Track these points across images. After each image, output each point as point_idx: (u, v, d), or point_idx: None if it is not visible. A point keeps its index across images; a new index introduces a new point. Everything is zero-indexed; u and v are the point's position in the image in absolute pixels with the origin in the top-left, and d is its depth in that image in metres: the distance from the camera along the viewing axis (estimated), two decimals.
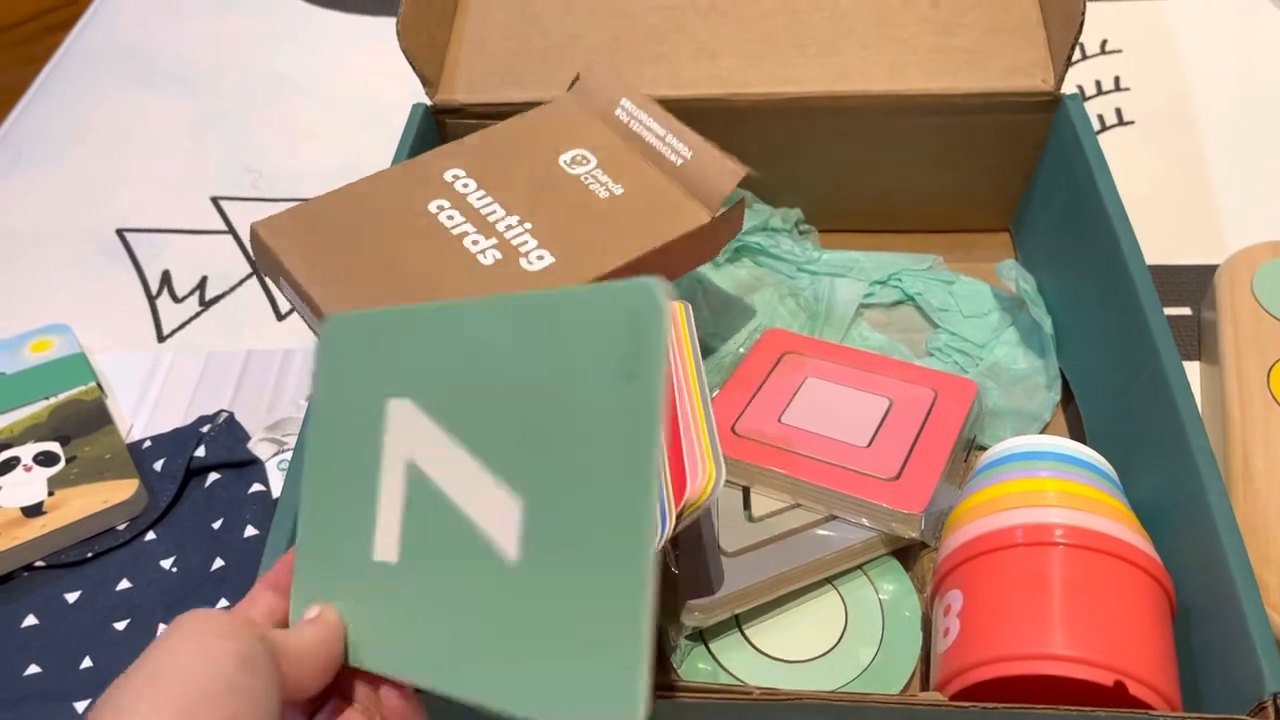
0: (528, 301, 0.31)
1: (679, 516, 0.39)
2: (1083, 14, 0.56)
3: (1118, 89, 0.77)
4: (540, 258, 0.48)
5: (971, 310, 0.61)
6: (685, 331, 0.46)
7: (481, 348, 0.32)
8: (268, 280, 0.70)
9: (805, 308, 0.62)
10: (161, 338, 0.67)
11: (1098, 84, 0.78)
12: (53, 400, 0.60)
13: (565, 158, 0.54)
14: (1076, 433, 0.56)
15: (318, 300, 0.46)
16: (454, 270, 0.48)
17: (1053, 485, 0.44)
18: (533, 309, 0.31)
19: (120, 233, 0.74)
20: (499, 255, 0.48)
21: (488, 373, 0.31)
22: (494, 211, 0.50)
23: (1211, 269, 0.61)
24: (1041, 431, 0.56)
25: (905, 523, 0.47)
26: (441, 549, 0.32)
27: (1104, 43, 0.80)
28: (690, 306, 0.48)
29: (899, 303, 0.63)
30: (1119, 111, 0.75)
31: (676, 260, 0.51)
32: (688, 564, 0.46)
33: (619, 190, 0.52)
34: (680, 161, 0.52)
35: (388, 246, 0.48)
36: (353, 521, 0.34)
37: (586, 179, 0.53)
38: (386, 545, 0.33)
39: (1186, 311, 0.62)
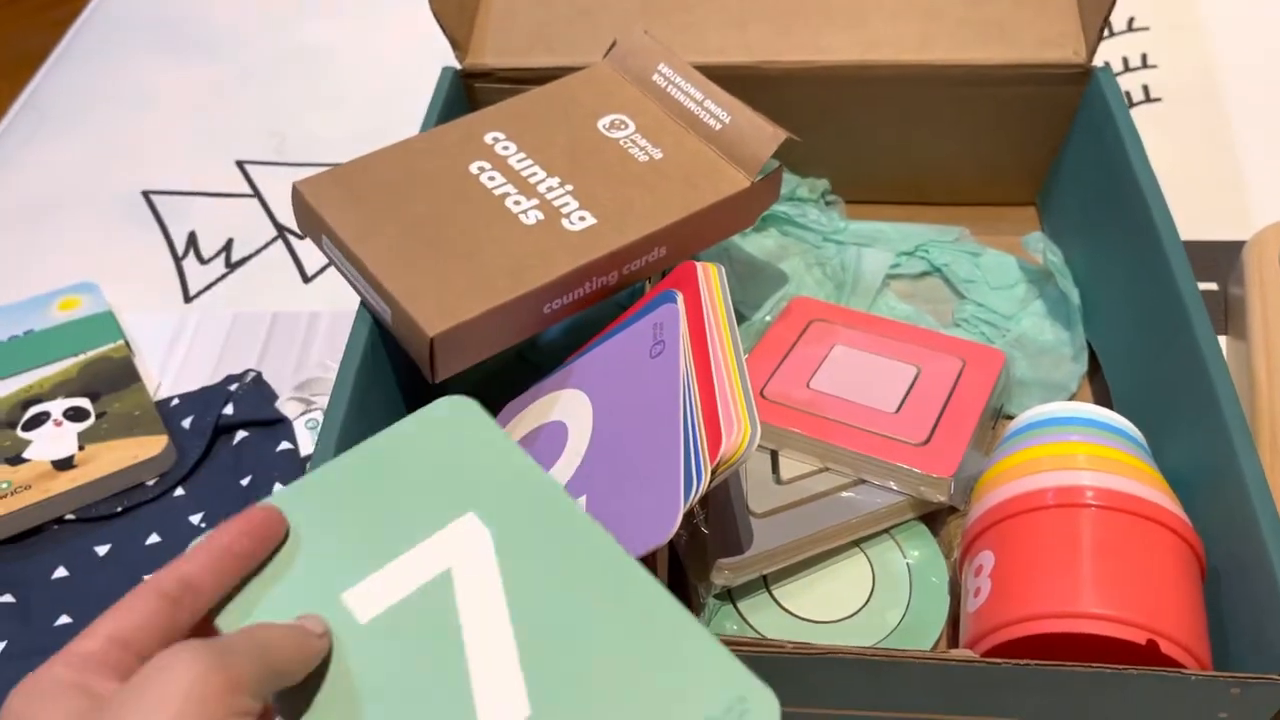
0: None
1: (714, 473, 0.40)
2: None
3: (1145, 66, 0.77)
4: (582, 218, 0.49)
5: (998, 282, 0.61)
6: (719, 294, 0.46)
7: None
8: (293, 243, 0.71)
9: (832, 277, 0.62)
10: (188, 298, 0.67)
11: (1125, 61, 0.77)
12: (82, 357, 0.61)
13: (604, 122, 0.54)
14: (1103, 404, 0.56)
15: (362, 257, 0.46)
16: (498, 229, 0.48)
17: (1084, 449, 0.44)
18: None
19: (146, 194, 0.74)
20: (541, 216, 0.48)
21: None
22: (535, 173, 0.50)
23: (1238, 245, 0.61)
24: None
25: (934, 486, 0.48)
26: (418, 662, 0.31)
27: (1131, 20, 0.80)
28: (723, 268, 0.48)
29: (925, 274, 0.63)
30: (1146, 88, 0.75)
31: (715, 225, 0.51)
32: (717, 524, 0.47)
33: (658, 155, 0.52)
34: (719, 126, 0.52)
35: (430, 206, 0.49)
36: (349, 553, 0.34)
37: (625, 143, 0.53)
38: (366, 602, 0.33)
39: (1213, 287, 0.62)
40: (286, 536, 0.34)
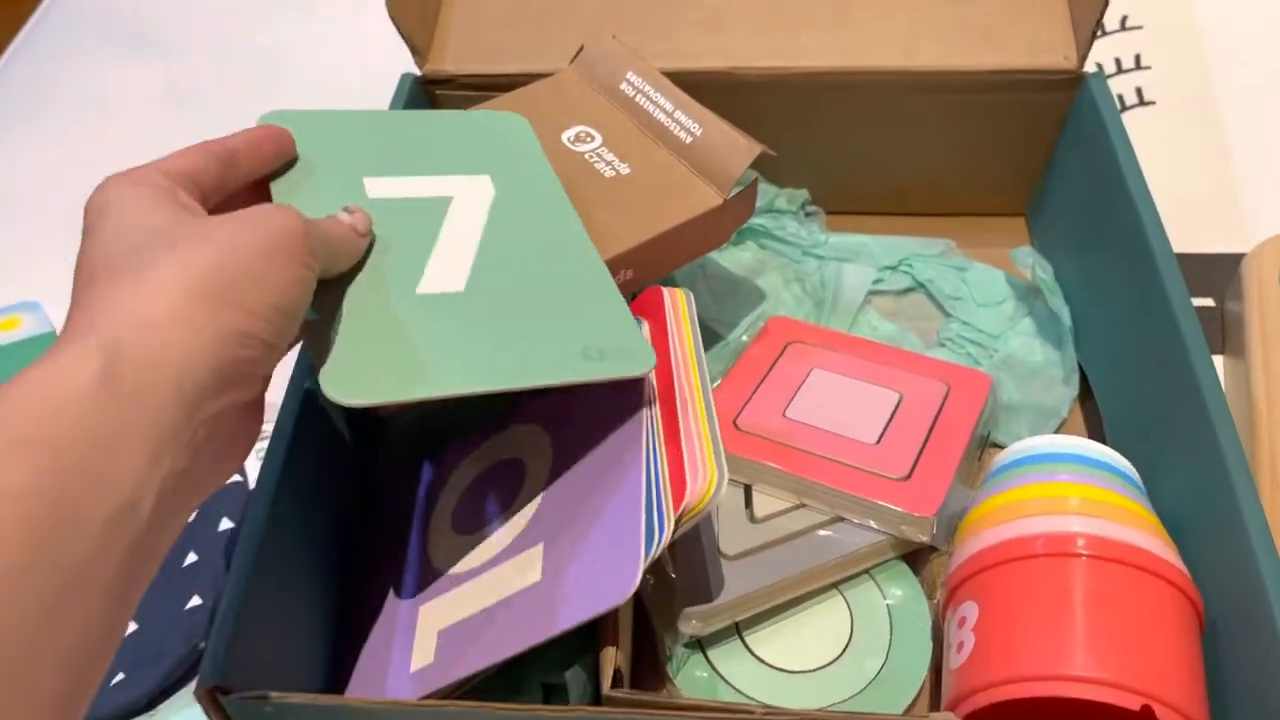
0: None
1: (678, 522, 0.37)
2: None
3: (1138, 67, 0.74)
4: None
5: (985, 298, 0.58)
6: (686, 322, 0.44)
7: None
8: None
9: (811, 294, 0.59)
10: None
11: (1117, 62, 0.74)
12: None
13: (569, 134, 0.51)
14: (1095, 429, 0.53)
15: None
16: None
17: (1074, 490, 0.41)
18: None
19: None
20: None
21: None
22: None
23: (1237, 258, 0.58)
24: (1059, 428, 0.54)
25: (916, 526, 0.45)
26: (396, 238, 0.40)
27: (1124, 19, 0.77)
28: (692, 295, 0.45)
29: (909, 290, 0.60)
30: (1139, 91, 0.72)
31: (686, 244, 0.48)
32: (685, 568, 0.44)
33: (625, 170, 0.49)
34: (690, 139, 0.49)
35: None
36: (385, 159, 0.44)
37: (591, 157, 0.50)
38: (379, 187, 0.42)
39: (1209, 303, 0.59)
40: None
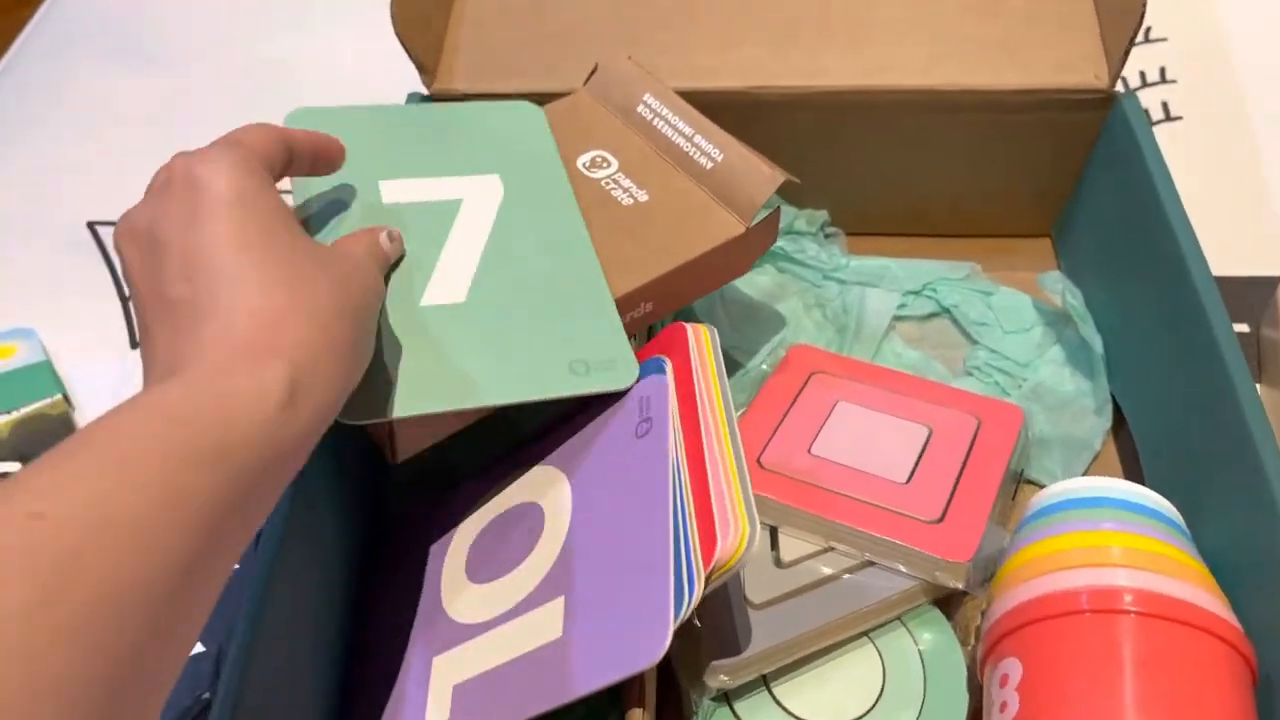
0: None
1: (707, 579, 0.35)
2: (1144, 2, 0.51)
3: (1164, 80, 0.72)
4: None
5: (1013, 325, 0.56)
6: (711, 360, 0.42)
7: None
8: None
9: (833, 320, 0.58)
10: (135, 344, 0.62)
11: (1142, 75, 0.72)
12: (14, 414, 0.55)
13: (584, 160, 0.49)
14: (1130, 462, 0.51)
15: None
16: None
17: (1118, 540, 0.40)
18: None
19: (92, 226, 0.69)
20: None
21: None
22: None
23: (1272, 281, 0.57)
24: (1092, 462, 0.52)
25: (950, 572, 0.43)
26: (408, 245, 0.42)
27: (1148, 30, 0.75)
28: (716, 331, 0.43)
29: (933, 315, 0.58)
30: (1165, 106, 0.70)
31: (707, 275, 0.46)
32: (711, 619, 0.42)
33: (644, 197, 0.47)
34: (710, 165, 0.47)
35: None
36: (399, 160, 0.46)
37: (608, 184, 0.48)
38: (392, 191, 0.44)
39: (1244, 328, 0.58)
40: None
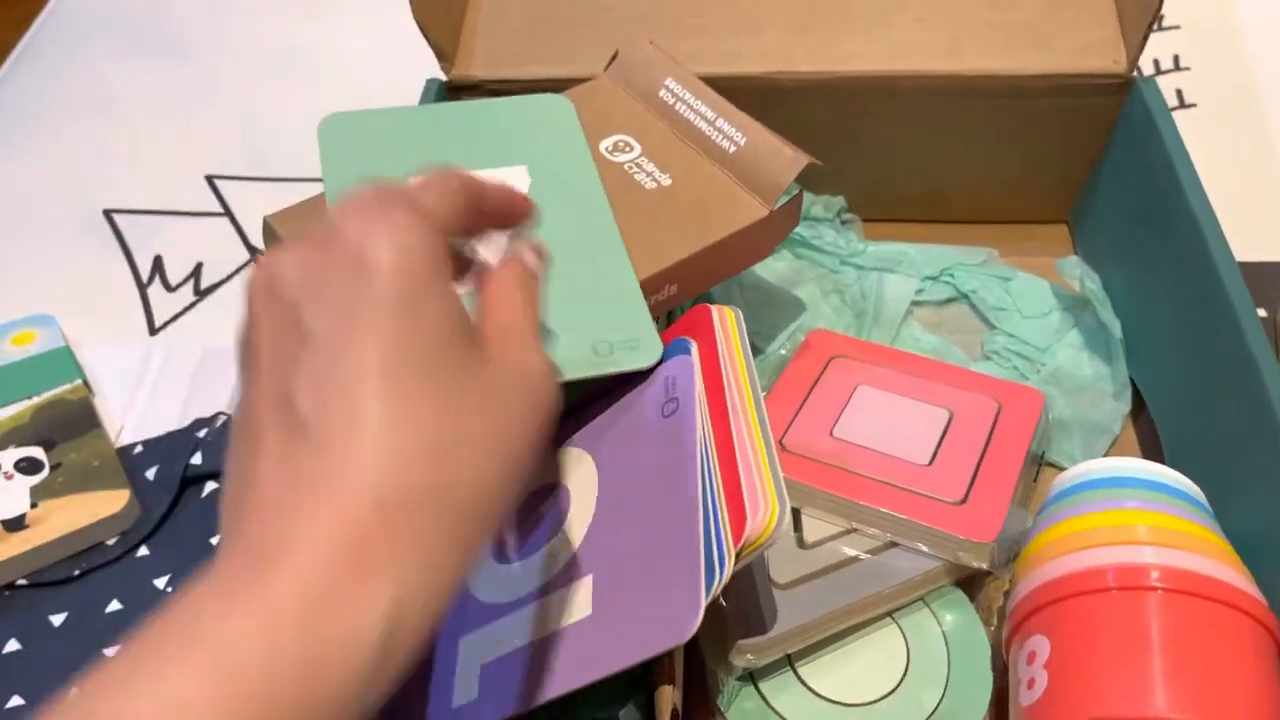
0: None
1: (738, 556, 0.35)
2: None
3: (1177, 68, 0.72)
4: None
5: (1031, 310, 0.57)
6: (738, 343, 0.42)
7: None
8: None
9: (851, 306, 0.58)
10: (153, 330, 0.62)
11: (1155, 63, 0.73)
12: (35, 400, 0.56)
13: (606, 144, 0.49)
14: (1149, 445, 0.52)
15: None
16: None
17: (1144, 518, 0.40)
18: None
19: (108, 214, 0.69)
20: None
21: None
22: None
23: None
24: (1111, 445, 0.52)
25: (974, 552, 0.43)
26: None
27: (1161, 19, 0.75)
28: (740, 313, 0.43)
29: (951, 300, 0.58)
30: (1179, 93, 0.70)
31: (731, 258, 0.47)
32: (736, 600, 0.42)
33: (667, 181, 0.47)
34: (733, 149, 0.47)
35: None
36: (429, 154, 0.43)
37: (630, 168, 0.48)
38: None
39: (1262, 313, 0.58)
40: None
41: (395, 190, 0.29)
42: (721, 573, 0.34)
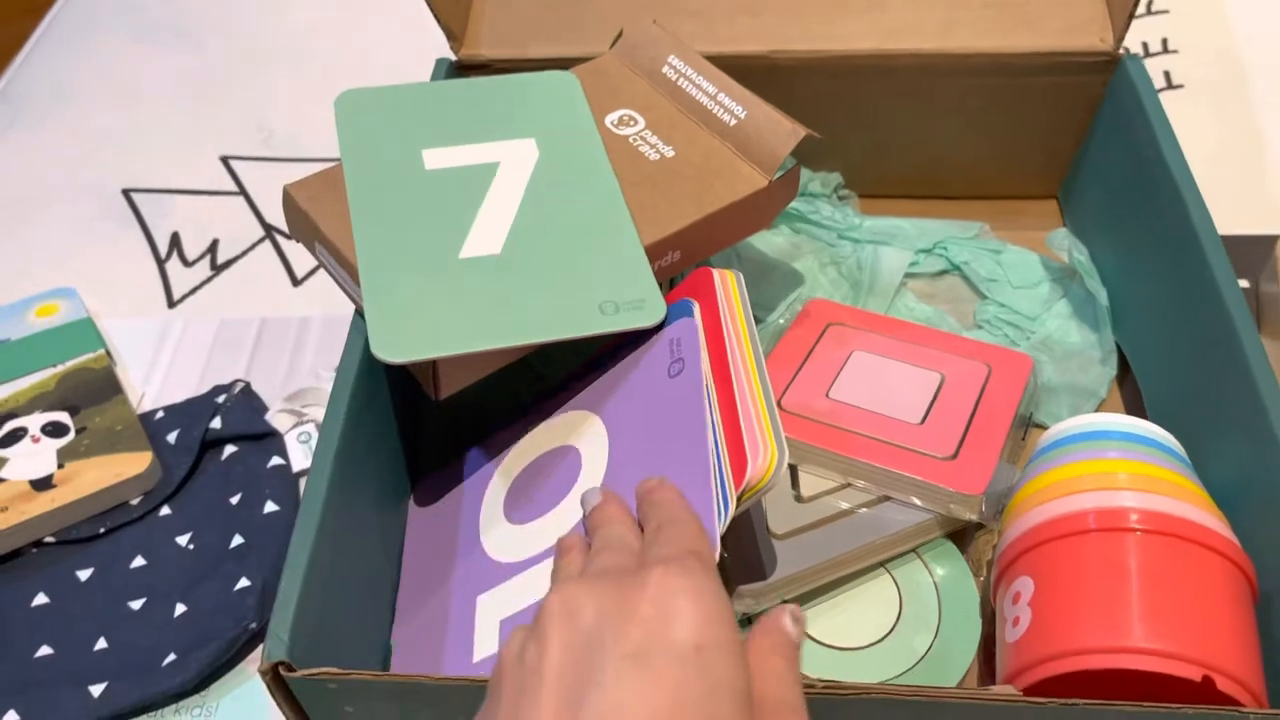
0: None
1: (740, 499, 0.37)
2: None
3: (1165, 51, 0.74)
4: None
5: (1021, 281, 0.59)
6: (739, 304, 0.44)
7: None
8: (282, 244, 0.67)
9: (847, 277, 0.60)
10: (172, 303, 0.64)
11: (1144, 45, 0.75)
12: (60, 368, 0.58)
13: (612, 118, 0.51)
14: (1135, 409, 0.54)
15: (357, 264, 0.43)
16: None
17: (1124, 466, 0.42)
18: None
19: (127, 193, 0.71)
20: None
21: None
22: None
23: (1272, 240, 0.59)
24: (1098, 408, 0.54)
25: (964, 504, 0.45)
26: (448, 205, 0.46)
27: (1150, 2, 0.77)
28: (740, 275, 0.45)
29: (944, 272, 0.60)
30: (1167, 75, 0.72)
31: (731, 227, 0.49)
32: (736, 548, 0.44)
33: (670, 152, 0.49)
34: (733, 122, 0.49)
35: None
36: (439, 130, 0.49)
37: (635, 140, 0.50)
38: (435, 158, 0.47)
39: (1245, 284, 0.60)
40: None
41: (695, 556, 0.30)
42: (726, 513, 0.36)
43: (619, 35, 0.55)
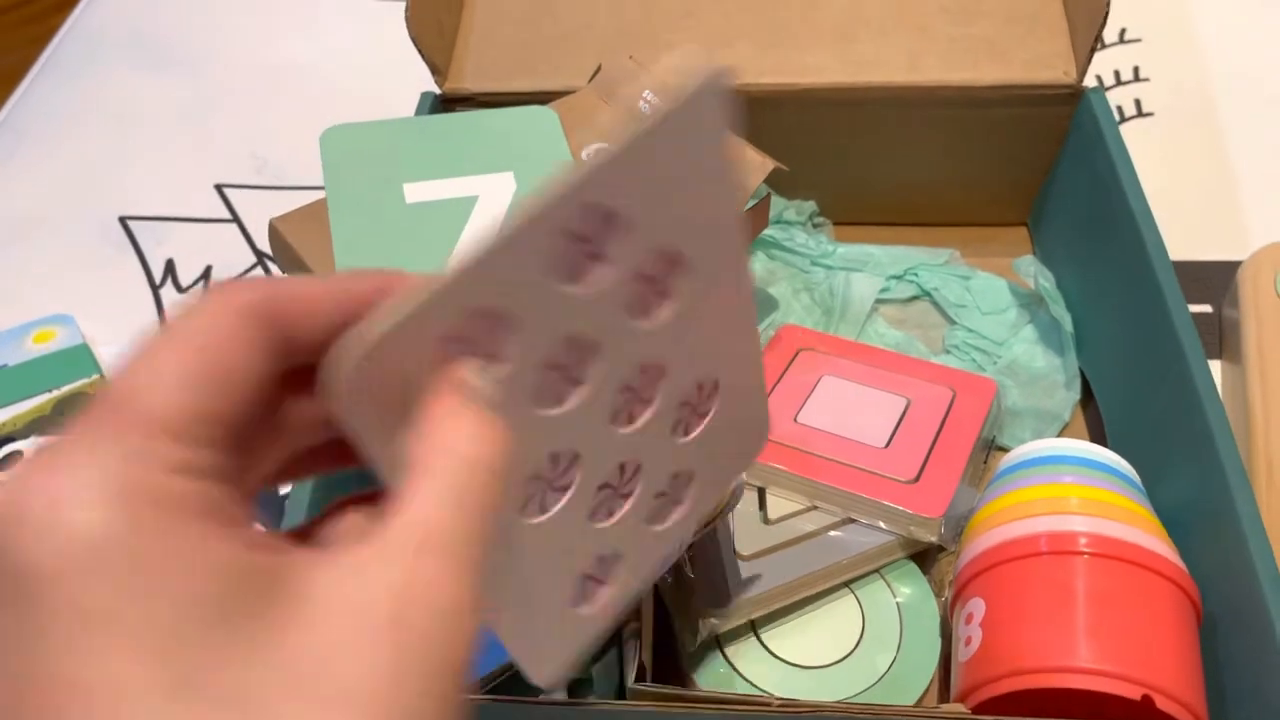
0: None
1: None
2: (1107, 4, 0.55)
3: (1137, 79, 0.76)
4: None
5: (989, 306, 0.60)
6: None
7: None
8: (273, 270, 0.69)
9: (820, 303, 0.61)
10: None
11: (1116, 74, 0.76)
12: (57, 393, 0.60)
13: (587, 152, 0.53)
14: (1097, 433, 0.55)
15: None
16: None
17: (1076, 491, 0.43)
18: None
19: (123, 220, 0.73)
20: None
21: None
22: None
23: (1234, 265, 0.60)
24: (1061, 432, 0.55)
25: (924, 527, 0.47)
26: (427, 236, 0.47)
27: (1123, 31, 0.79)
28: None
29: (915, 298, 0.62)
30: (1138, 103, 0.74)
31: None
32: (703, 570, 0.46)
33: None
34: None
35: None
36: (420, 164, 0.50)
37: None
38: (415, 192, 0.49)
39: (1208, 309, 0.61)
40: None
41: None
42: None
43: (597, 70, 0.57)
